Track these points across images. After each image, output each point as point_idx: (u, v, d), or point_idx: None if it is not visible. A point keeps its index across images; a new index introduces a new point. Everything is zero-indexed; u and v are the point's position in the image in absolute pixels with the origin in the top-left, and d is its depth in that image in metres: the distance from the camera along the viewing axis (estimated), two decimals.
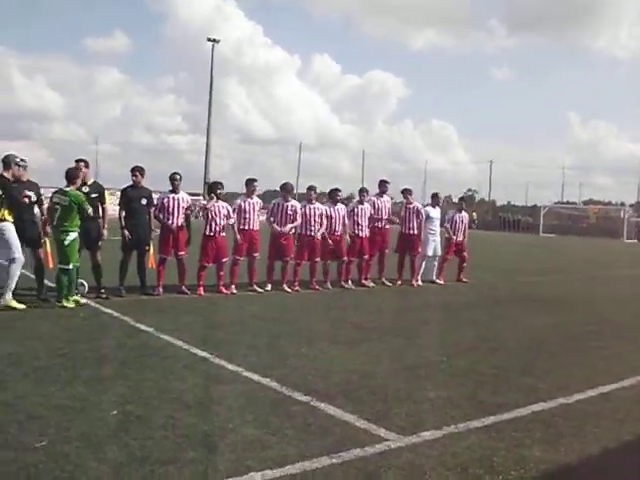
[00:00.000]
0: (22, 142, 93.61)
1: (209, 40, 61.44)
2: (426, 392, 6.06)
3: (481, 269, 18.63)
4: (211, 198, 11.75)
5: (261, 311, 10.30)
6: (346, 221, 13.25)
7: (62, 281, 9.64)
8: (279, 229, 12.36)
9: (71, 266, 9.64)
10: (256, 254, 12.25)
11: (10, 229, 9.32)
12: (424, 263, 14.58)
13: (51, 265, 10.65)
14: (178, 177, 11.53)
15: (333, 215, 12.98)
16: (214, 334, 8.39)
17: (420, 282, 14.42)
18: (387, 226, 14.08)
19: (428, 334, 9.01)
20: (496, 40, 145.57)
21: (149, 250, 11.34)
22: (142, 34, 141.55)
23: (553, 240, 48.70)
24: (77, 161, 10.51)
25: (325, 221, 12.84)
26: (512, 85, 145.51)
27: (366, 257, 13.63)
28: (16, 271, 9.35)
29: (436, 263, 14.92)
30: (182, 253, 11.50)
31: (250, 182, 12.30)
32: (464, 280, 15.19)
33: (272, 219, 12.53)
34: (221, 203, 11.77)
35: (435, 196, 15.12)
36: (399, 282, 14.23)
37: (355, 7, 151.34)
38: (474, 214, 71.88)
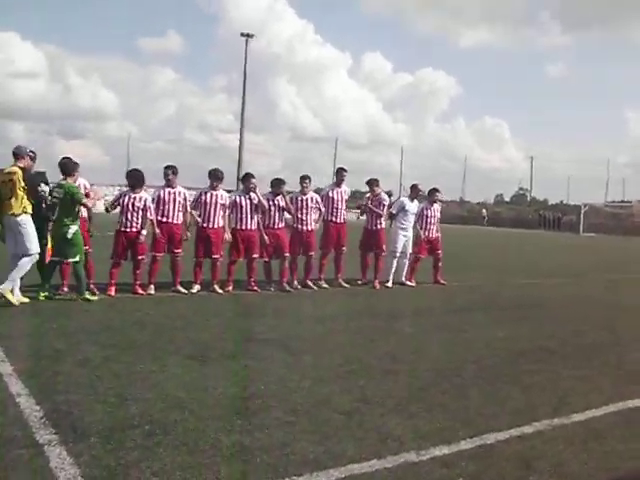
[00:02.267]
0: (78, 141, 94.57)
1: (242, 35, 60.03)
2: (209, 434, 4.39)
3: (476, 270, 16.90)
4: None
5: (154, 316, 8.69)
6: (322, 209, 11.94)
7: (81, 274, 9.31)
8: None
9: (78, 258, 9.26)
10: (177, 250, 10.67)
11: (30, 223, 8.84)
12: (394, 261, 12.79)
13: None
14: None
15: (272, 207, 11.34)
16: (55, 344, 6.84)
17: (390, 284, 12.64)
18: (343, 220, 12.34)
19: (322, 350, 7.24)
20: (550, 37, 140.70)
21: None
22: (195, 34, 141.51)
23: (589, 239, 46.00)
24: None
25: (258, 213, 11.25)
26: (567, 82, 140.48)
27: (311, 254, 11.93)
28: (26, 265, 8.83)
29: (407, 261, 13.09)
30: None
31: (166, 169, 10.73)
32: (441, 282, 13.34)
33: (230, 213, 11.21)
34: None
35: (414, 188, 13.25)
36: (359, 282, 12.49)
37: (407, 4, 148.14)
38: (484, 211, 70.22)
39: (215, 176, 11.02)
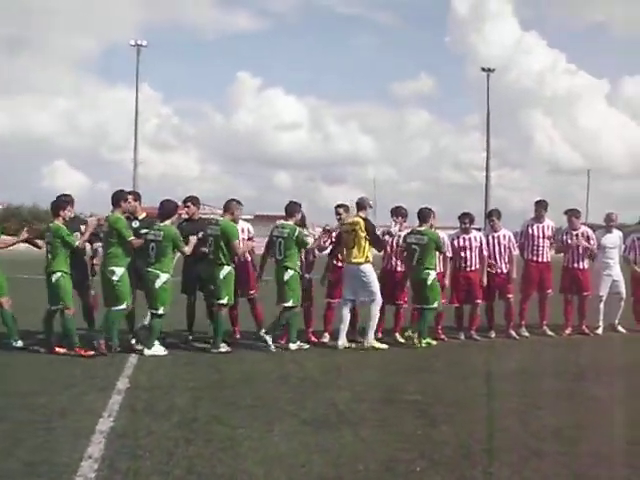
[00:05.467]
0: (339, 186, 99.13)
1: (483, 70, 59.61)
2: None
3: None
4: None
5: (306, 370, 8.02)
6: (484, 253, 10.35)
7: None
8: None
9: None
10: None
11: (372, 270, 9.29)
12: (601, 305, 11.01)
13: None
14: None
15: (466, 245, 10.23)
16: (178, 399, 6.48)
17: (600, 330, 10.90)
18: (548, 259, 10.81)
19: (467, 419, 6.04)
20: None
21: None
22: (445, 75, 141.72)
23: None
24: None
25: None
26: None
27: (510, 297, 10.53)
28: (377, 312, 9.26)
29: (621, 304, 11.18)
30: (252, 292, 9.67)
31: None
32: None
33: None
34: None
35: (608, 217, 11.31)
36: (567, 331, 10.80)
37: None
38: None
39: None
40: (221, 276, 8.76)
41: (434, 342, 9.55)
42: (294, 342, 9.09)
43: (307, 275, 9.61)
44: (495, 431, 5.58)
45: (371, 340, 9.23)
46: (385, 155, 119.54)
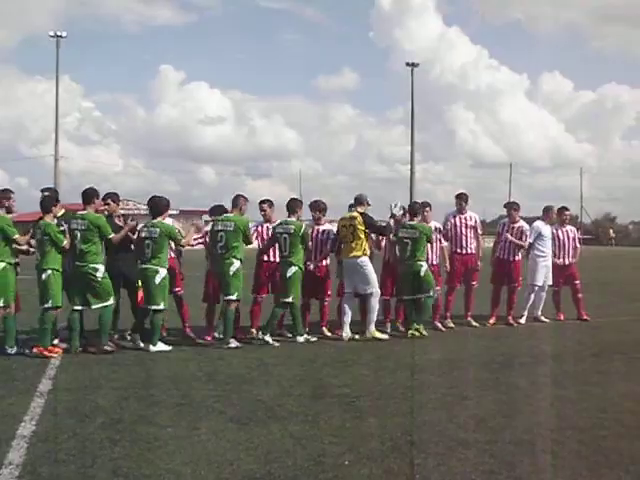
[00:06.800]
0: (265, 180, 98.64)
1: (408, 65, 59.93)
2: None
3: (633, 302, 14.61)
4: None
5: (233, 367, 7.90)
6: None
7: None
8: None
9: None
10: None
11: (370, 264, 9.58)
12: (532, 295, 11.38)
13: None
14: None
15: None
16: (101, 399, 6.35)
17: (523, 320, 11.29)
18: (472, 251, 11.03)
19: (393, 411, 6.11)
20: None
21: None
22: (370, 69, 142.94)
23: None
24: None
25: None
26: None
27: (437, 289, 10.62)
28: (377, 305, 9.62)
29: (544, 294, 11.54)
30: (178, 289, 9.53)
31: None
32: (584, 318, 11.66)
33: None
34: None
35: (548, 210, 11.70)
36: (491, 321, 11.09)
37: (582, 20, 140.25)
38: (611, 231, 64.49)
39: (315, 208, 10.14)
40: (231, 272, 8.88)
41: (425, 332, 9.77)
42: (301, 334, 9.36)
43: None
44: (422, 423, 5.68)
45: (372, 331, 9.54)
46: (310, 149, 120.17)
